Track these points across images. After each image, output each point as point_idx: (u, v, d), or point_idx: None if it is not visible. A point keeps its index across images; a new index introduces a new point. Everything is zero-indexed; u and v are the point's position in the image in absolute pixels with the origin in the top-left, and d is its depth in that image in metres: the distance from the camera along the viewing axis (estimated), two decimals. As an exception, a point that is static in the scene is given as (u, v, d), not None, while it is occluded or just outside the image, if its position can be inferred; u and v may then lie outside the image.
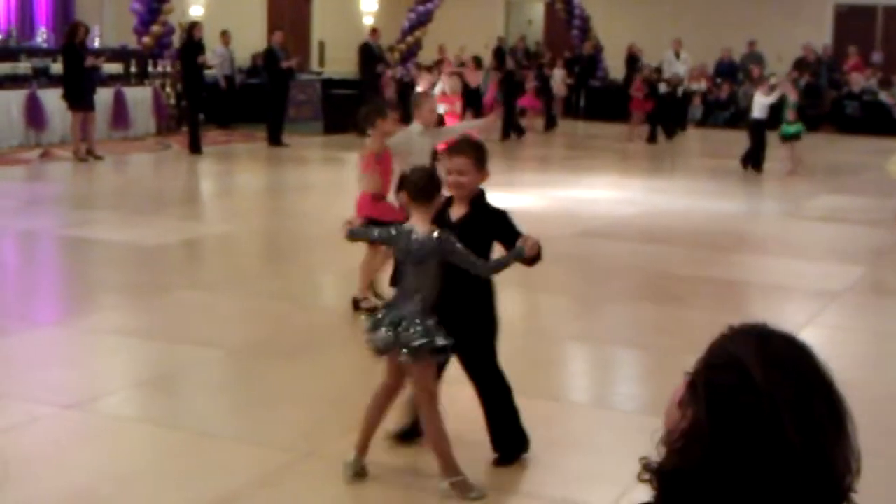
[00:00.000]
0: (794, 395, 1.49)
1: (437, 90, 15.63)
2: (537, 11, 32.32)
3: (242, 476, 4.80)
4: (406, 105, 17.95)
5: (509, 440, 5.29)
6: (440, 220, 4.95)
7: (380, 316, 4.79)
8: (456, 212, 5.09)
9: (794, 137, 17.27)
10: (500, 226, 5.08)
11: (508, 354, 7.70)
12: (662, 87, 23.20)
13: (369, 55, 22.98)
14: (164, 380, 6.60)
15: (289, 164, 17.64)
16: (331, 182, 16.03)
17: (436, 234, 4.73)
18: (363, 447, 4.91)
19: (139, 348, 7.19)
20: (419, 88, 15.26)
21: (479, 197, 5.16)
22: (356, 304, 8.04)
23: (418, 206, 4.81)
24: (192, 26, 18.53)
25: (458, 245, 4.73)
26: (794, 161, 17.29)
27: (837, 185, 16.57)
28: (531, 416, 6.16)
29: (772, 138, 17.60)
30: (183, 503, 4.75)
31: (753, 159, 17.64)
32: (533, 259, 4.93)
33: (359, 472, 4.90)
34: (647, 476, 1.58)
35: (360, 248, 7.75)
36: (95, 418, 5.79)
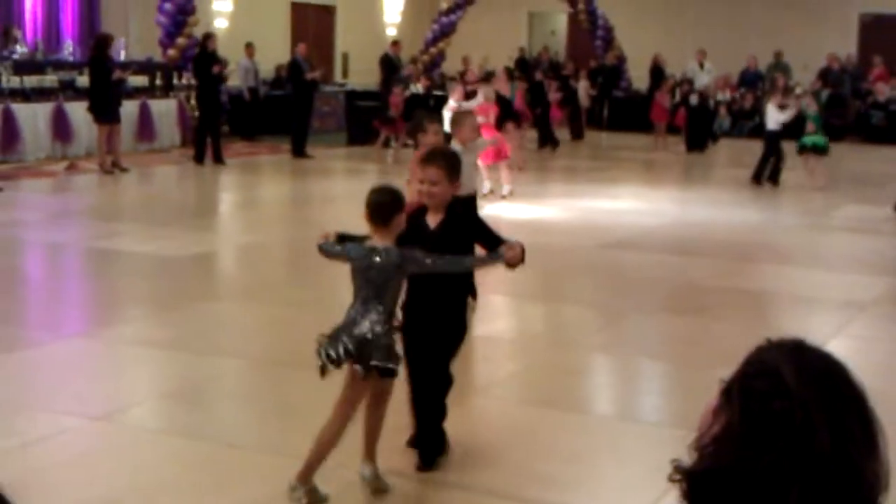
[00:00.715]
0: (827, 404, 1.49)
1: (473, 103, 15.58)
2: (560, 22, 32.32)
3: (268, 486, 4.81)
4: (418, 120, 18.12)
5: (430, 441, 5.27)
6: (416, 228, 4.99)
7: (340, 329, 4.73)
8: (433, 219, 5.13)
9: (816, 150, 17.05)
10: (477, 229, 5.15)
11: (534, 365, 7.71)
12: (694, 99, 23.13)
13: (390, 67, 23.04)
14: (189, 391, 6.62)
15: (313, 175, 17.69)
16: (354, 193, 15.97)
17: (402, 253, 4.72)
18: (370, 455, 4.92)
19: (165, 359, 7.22)
20: (451, 101, 15.22)
21: (454, 204, 5.20)
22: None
23: (376, 227, 4.78)
24: (206, 38, 18.62)
25: (425, 257, 4.74)
26: (813, 174, 17.07)
27: (863, 195, 16.46)
28: (557, 427, 6.15)
29: (789, 149, 17.42)
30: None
31: (771, 172, 17.32)
32: (512, 266, 4.97)
33: (379, 488, 4.89)
34: (677, 477, 1.58)
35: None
36: (122, 430, 5.81)
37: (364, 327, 4.65)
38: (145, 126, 19.55)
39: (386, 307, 4.72)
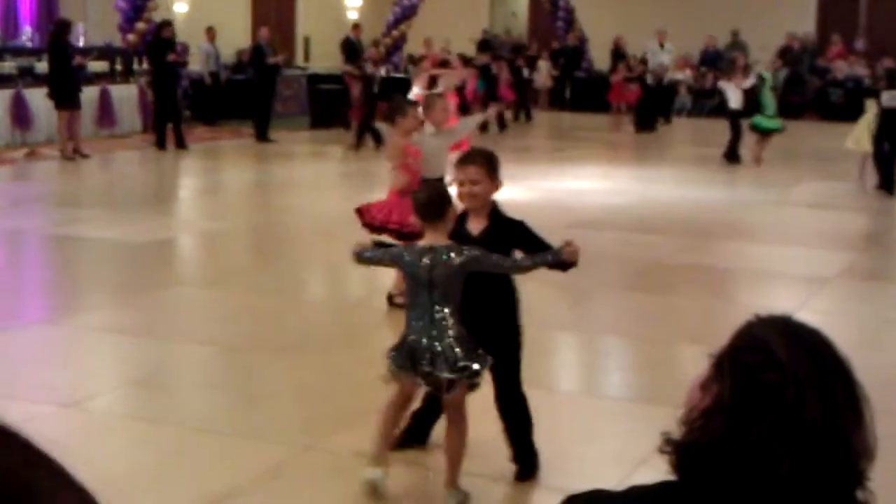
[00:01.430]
0: (817, 376, 1.53)
1: (437, 92, 15.57)
2: (521, 4, 32.32)
3: (243, 471, 4.82)
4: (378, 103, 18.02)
5: (529, 457, 5.19)
6: (458, 236, 4.79)
7: (419, 345, 4.57)
8: (475, 225, 4.95)
9: (768, 132, 17.17)
10: (521, 235, 4.98)
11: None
12: (649, 79, 23.19)
13: (351, 51, 22.95)
14: (159, 377, 6.61)
15: (276, 159, 17.63)
16: (319, 177, 16.01)
17: (465, 250, 4.57)
18: (380, 459, 4.77)
19: (133, 346, 7.19)
20: (416, 86, 15.22)
21: (496, 207, 5.04)
22: (391, 300, 7.99)
23: (430, 224, 4.62)
24: (161, 25, 18.50)
25: (489, 254, 4.61)
26: (759, 151, 17.21)
27: (823, 171, 16.63)
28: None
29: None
30: (186, 499, 4.77)
31: (730, 150, 17.56)
32: (569, 264, 4.85)
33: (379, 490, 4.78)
34: (667, 448, 1.60)
35: (350, 244, 7.75)
36: (93, 417, 5.79)
37: (440, 341, 4.52)
38: (105, 112, 19.38)
39: (456, 307, 4.58)
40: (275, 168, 16.81)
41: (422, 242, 4.65)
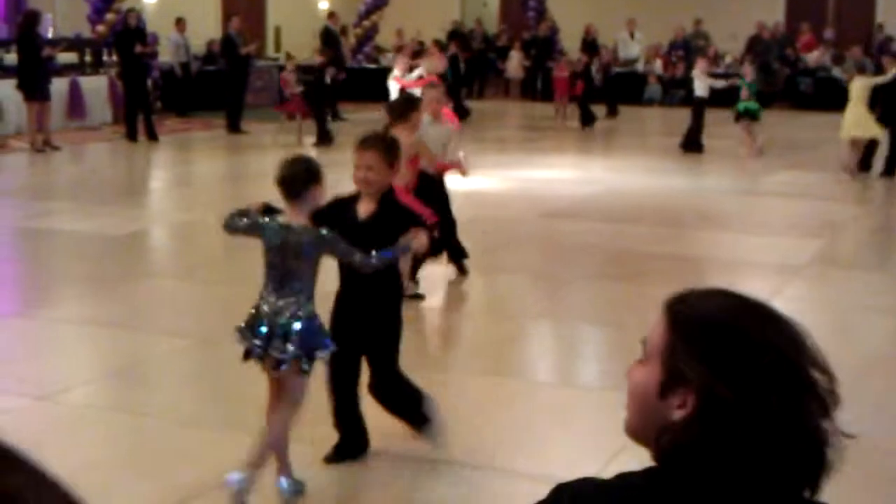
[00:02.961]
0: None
1: (415, 75, 15.64)
2: (492, -7, 32.32)
3: (224, 462, 4.81)
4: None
5: (420, 413, 5.16)
6: (344, 217, 4.79)
7: (261, 323, 4.52)
8: (364, 208, 4.89)
9: (749, 116, 17.29)
10: (409, 223, 4.90)
11: (474, 334, 7.78)
12: (593, 71, 22.71)
13: (331, 40, 22.89)
14: (135, 369, 6.59)
15: (249, 150, 17.57)
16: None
17: (319, 232, 4.50)
18: (284, 466, 4.67)
19: (107, 338, 7.17)
20: (396, 71, 15.20)
21: (389, 192, 4.98)
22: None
23: (290, 201, 4.55)
24: (127, 13, 18.37)
25: (340, 241, 4.54)
26: (754, 140, 17.29)
27: (794, 160, 16.73)
28: (500, 394, 6.22)
29: (724, 115, 17.69)
30: (167, 490, 4.77)
31: (693, 140, 17.63)
32: (427, 254, 4.84)
33: (300, 491, 4.67)
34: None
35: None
36: (70, 409, 5.77)
37: (284, 314, 4.47)
38: (75, 103, 19.25)
39: (308, 288, 4.52)
40: (247, 159, 16.75)
41: (281, 219, 4.60)
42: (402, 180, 7.91)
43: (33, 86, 16.45)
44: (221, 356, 6.76)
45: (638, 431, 1.67)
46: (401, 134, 7.63)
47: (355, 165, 4.90)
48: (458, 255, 8.79)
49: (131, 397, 6.10)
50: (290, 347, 4.46)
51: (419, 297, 8.01)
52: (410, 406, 5.17)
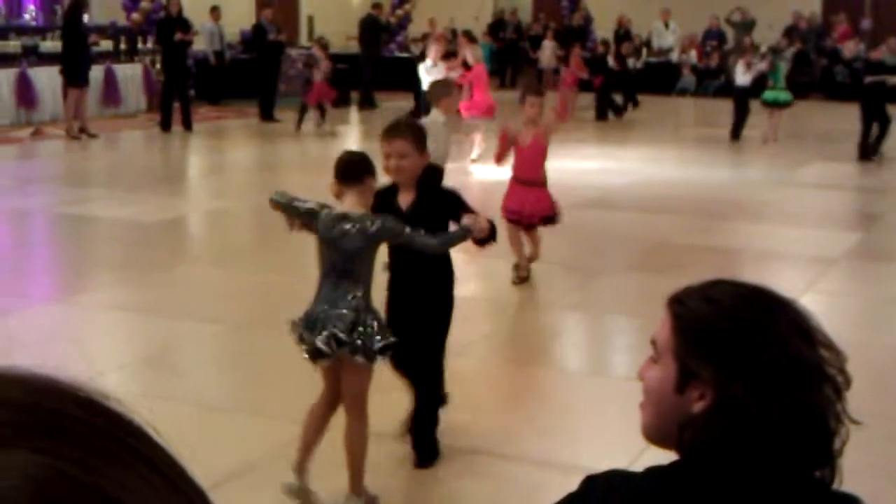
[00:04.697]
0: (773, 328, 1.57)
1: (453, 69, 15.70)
2: (526, -18, 32.18)
3: (256, 448, 4.85)
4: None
5: (427, 446, 5.07)
6: (387, 210, 4.62)
7: (313, 316, 4.32)
8: (404, 199, 4.81)
9: (778, 105, 17.27)
10: (453, 206, 4.82)
11: (505, 323, 7.77)
12: (610, 62, 22.42)
13: (374, 28, 22.86)
14: (168, 355, 6.63)
15: (281, 139, 17.61)
16: (324, 156, 15.98)
17: (378, 220, 4.34)
18: (301, 468, 4.47)
19: (141, 324, 7.22)
20: (429, 60, 15.19)
21: (424, 179, 4.87)
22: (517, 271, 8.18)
23: (348, 187, 4.38)
24: (169, 1, 18.43)
25: (405, 226, 4.41)
26: (773, 129, 17.28)
27: (830, 152, 16.59)
28: (536, 385, 6.22)
29: (756, 105, 17.62)
30: (200, 475, 4.77)
31: (734, 128, 17.72)
32: (484, 240, 4.69)
33: (304, 500, 4.47)
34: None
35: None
36: (103, 394, 5.81)
37: (347, 307, 4.26)
38: (110, 91, 19.37)
39: (365, 282, 4.36)
40: (280, 147, 16.80)
41: (338, 208, 4.41)
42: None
43: (76, 72, 16.55)
44: (254, 342, 6.79)
45: (657, 431, 1.68)
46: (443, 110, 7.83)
47: (385, 155, 4.77)
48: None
49: (164, 383, 6.13)
50: (343, 337, 4.24)
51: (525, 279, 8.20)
52: (432, 420, 5.11)
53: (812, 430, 1.54)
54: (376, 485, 4.74)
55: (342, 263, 4.33)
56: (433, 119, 8.21)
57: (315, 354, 4.30)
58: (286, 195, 4.58)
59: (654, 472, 1.64)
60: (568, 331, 7.63)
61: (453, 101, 8.33)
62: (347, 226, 4.30)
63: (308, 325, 4.31)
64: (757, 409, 1.53)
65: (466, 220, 4.59)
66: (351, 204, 4.37)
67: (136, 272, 8.58)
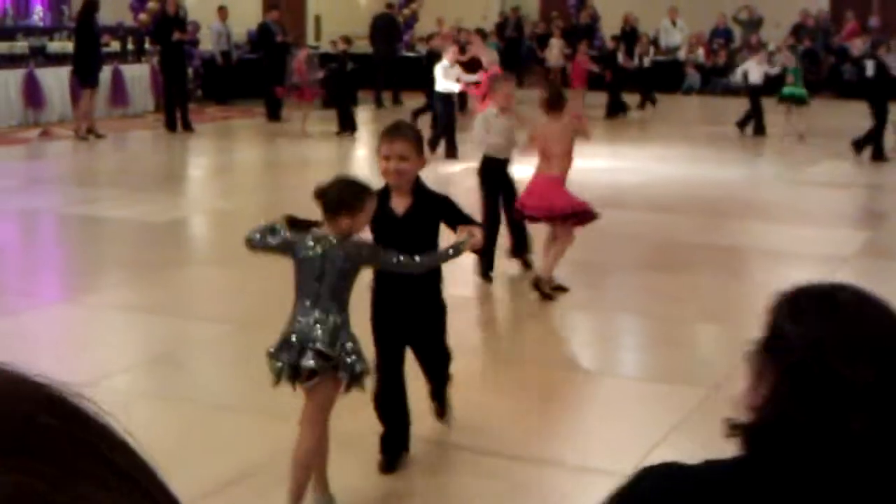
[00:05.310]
0: (839, 340, 1.57)
1: (473, 79, 15.71)
2: (533, -19, 32.13)
3: (264, 449, 4.82)
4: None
5: (444, 402, 5.25)
6: (382, 215, 4.56)
7: (290, 336, 4.28)
8: (398, 203, 4.70)
9: (795, 100, 17.32)
10: (445, 212, 4.75)
11: (518, 324, 7.74)
12: (619, 58, 22.35)
13: (390, 27, 22.81)
14: (176, 355, 6.61)
15: (288, 139, 17.59)
16: (331, 156, 15.99)
17: (365, 244, 4.36)
18: (322, 485, 4.46)
19: (149, 324, 7.20)
20: (445, 60, 15.20)
21: (419, 184, 4.79)
22: (537, 286, 7.90)
23: (328, 218, 4.29)
24: (165, 1, 18.42)
25: (382, 253, 4.38)
26: (801, 124, 17.39)
27: (839, 150, 16.52)
28: (544, 385, 6.18)
29: (770, 103, 17.64)
30: (204, 477, 4.77)
31: (755, 124, 17.86)
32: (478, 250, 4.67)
33: None
34: (734, 432, 1.62)
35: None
36: (110, 395, 5.78)
37: (325, 328, 4.21)
38: (118, 91, 19.37)
39: (342, 305, 4.30)
40: (286, 147, 16.78)
41: (317, 232, 4.33)
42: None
43: (88, 73, 16.55)
44: (261, 342, 6.71)
45: None
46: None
47: (384, 156, 4.66)
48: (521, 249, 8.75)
49: (171, 383, 6.11)
50: (328, 352, 4.20)
51: (563, 288, 7.98)
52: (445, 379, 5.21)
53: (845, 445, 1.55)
54: (383, 487, 4.72)
55: (320, 286, 4.26)
56: (489, 112, 8.35)
57: (294, 376, 4.25)
58: (258, 230, 4.48)
59: (711, 466, 1.65)
60: (577, 330, 7.60)
61: (507, 94, 8.36)
62: (329, 248, 4.26)
63: (284, 347, 4.26)
64: (792, 410, 1.54)
65: (460, 234, 4.53)
66: (331, 228, 4.30)
67: (144, 272, 8.56)
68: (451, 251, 4.53)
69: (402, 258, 4.37)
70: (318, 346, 4.17)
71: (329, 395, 4.32)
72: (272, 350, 4.31)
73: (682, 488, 1.61)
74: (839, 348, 1.53)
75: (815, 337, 1.55)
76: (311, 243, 4.29)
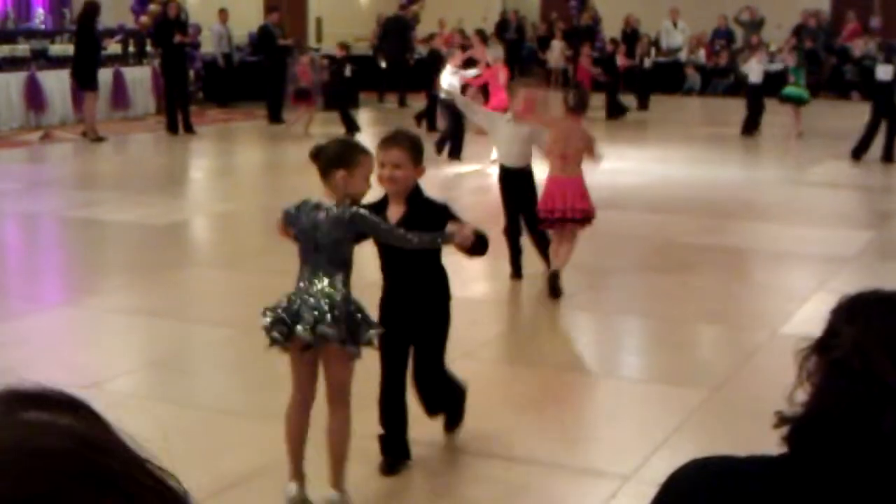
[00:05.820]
0: (882, 341, 1.57)
1: (472, 72, 15.76)
2: (534, -17, 32.15)
3: (265, 452, 4.82)
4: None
5: (456, 412, 5.19)
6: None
7: (294, 306, 4.29)
8: (394, 211, 4.69)
9: (796, 101, 17.37)
10: (443, 220, 4.66)
11: (520, 326, 7.74)
12: (619, 60, 22.31)
13: (401, 29, 22.81)
14: (178, 359, 6.61)
15: (289, 141, 17.58)
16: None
17: (352, 208, 4.30)
18: (298, 475, 4.48)
19: (151, 327, 7.20)
20: (450, 65, 15.22)
21: (417, 193, 4.76)
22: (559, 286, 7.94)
23: (323, 179, 4.34)
24: (168, 4, 18.42)
25: (377, 219, 4.39)
26: (798, 124, 17.45)
27: (840, 150, 16.52)
28: (545, 387, 6.18)
29: (771, 104, 17.66)
30: (206, 480, 4.76)
31: (751, 121, 17.98)
32: (473, 249, 4.60)
33: None
34: (781, 424, 1.65)
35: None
36: (113, 398, 5.79)
37: (324, 294, 4.24)
38: (119, 93, 19.38)
39: (343, 272, 4.32)
40: (287, 149, 16.77)
41: (313, 199, 4.40)
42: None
43: (89, 76, 16.55)
44: (263, 345, 6.75)
45: None
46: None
47: (380, 164, 4.65)
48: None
49: (173, 386, 6.11)
50: (326, 329, 4.21)
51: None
52: (448, 403, 5.13)
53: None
54: (387, 489, 4.71)
55: (318, 253, 4.32)
56: (499, 116, 8.38)
57: (287, 339, 4.30)
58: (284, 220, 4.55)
59: (760, 460, 1.67)
60: (578, 332, 7.59)
61: (527, 99, 8.43)
62: (321, 215, 4.31)
63: (286, 312, 4.30)
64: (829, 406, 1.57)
65: (450, 227, 4.54)
66: (326, 194, 4.36)
67: (146, 275, 8.56)
68: (438, 238, 4.54)
69: (393, 227, 4.46)
70: (319, 322, 4.20)
71: (343, 373, 4.38)
72: (268, 321, 4.37)
73: (724, 484, 1.65)
74: (882, 348, 1.56)
75: (862, 335, 1.58)
76: (303, 215, 4.37)
